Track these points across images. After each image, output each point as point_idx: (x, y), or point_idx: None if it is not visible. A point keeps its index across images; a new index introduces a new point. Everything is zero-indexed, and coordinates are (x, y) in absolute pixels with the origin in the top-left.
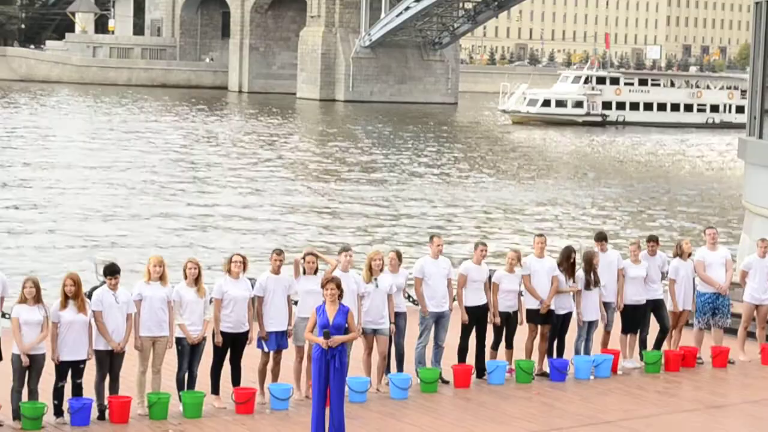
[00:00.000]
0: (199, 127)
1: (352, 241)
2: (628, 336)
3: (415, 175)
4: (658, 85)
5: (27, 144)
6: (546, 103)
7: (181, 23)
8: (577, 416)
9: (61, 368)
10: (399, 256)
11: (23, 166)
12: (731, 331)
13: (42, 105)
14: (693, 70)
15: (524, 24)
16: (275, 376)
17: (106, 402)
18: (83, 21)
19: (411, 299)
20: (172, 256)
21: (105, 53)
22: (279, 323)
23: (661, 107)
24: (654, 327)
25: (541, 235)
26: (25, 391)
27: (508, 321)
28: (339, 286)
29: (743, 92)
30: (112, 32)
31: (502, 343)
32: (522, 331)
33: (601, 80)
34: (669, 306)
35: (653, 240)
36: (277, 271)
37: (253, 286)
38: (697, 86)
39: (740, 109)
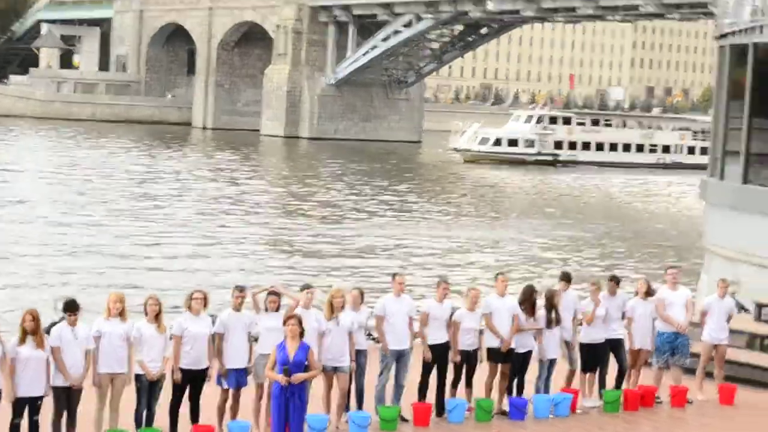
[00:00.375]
0: (160, 164)
1: (314, 280)
2: (588, 375)
3: (376, 213)
4: (610, 125)
5: None
6: (497, 142)
7: (147, 59)
8: None
9: (18, 405)
10: (361, 294)
11: None
12: (690, 371)
13: (1, 140)
14: (656, 111)
15: (489, 64)
16: (234, 414)
17: None
18: (48, 56)
19: (372, 337)
20: (132, 293)
21: (69, 88)
22: (239, 360)
23: (613, 147)
24: (613, 366)
25: (502, 274)
26: None
27: (469, 359)
28: (300, 323)
29: (695, 133)
30: (77, 68)
31: (462, 382)
32: (482, 369)
33: (553, 120)
34: (627, 345)
35: (614, 280)
36: (238, 308)
37: (213, 323)
38: (649, 127)
39: (691, 150)
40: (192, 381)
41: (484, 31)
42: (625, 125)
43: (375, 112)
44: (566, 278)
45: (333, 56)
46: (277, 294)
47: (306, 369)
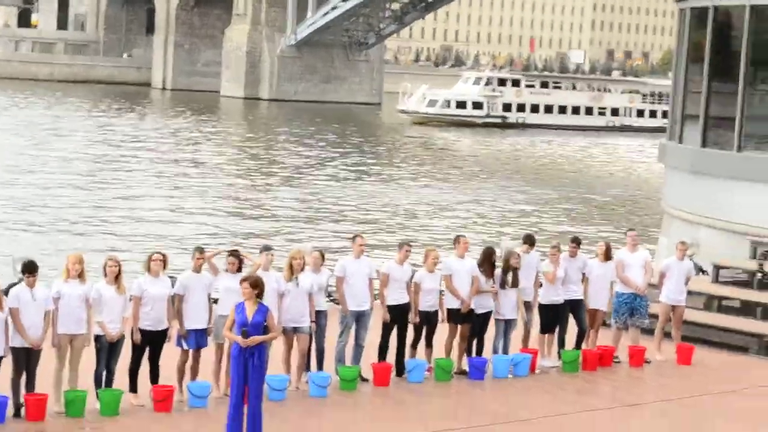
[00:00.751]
0: (119, 125)
1: (274, 241)
2: (546, 335)
3: (336, 175)
4: (560, 87)
5: None
6: (446, 104)
7: (105, 18)
8: (494, 414)
9: None
10: (322, 255)
11: None
12: (648, 332)
13: None
14: (616, 74)
15: (450, 26)
16: (194, 374)
17: (22, 400)
18: (6, 15)
19: (332, 299)
20: (91, 254)
21: (27, 47)
22: (199, 321)
23: (562, 110)
24: (573, 328)
25: (463, 236)
26: None
27: (428, 320)
28: (255, 286)
29: (644, 96)
30: (36, 26)
31: (422, 342)
32: (442, 330)
33: (501, 82)
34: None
35: (575, 241)
36: (197, 270)
37: (173, 285)
38: (599, 90)
39: (640, 113)
40: (152, 342)
41: None
42: (574, 88)
43: (335, 74)
44: (529, 241)
45: (293, 17)
46: (237, 255)
47: (265, 331)
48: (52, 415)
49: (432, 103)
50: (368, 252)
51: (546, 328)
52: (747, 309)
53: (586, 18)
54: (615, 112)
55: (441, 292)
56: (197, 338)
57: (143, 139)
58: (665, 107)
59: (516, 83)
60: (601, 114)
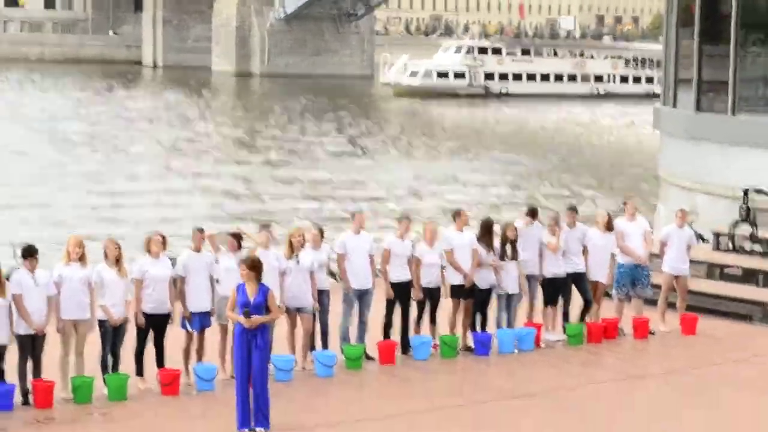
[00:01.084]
0: (113, 103)
1: (272, 219)
2: (550, 309)
3: (331, 151)
4: (541, 55)
5: None
6: (427, 74)
7: None
8: (501, 389)
9: None
10: (321, 232)
11: None
12: (652, 302)
13: None
14: (606, 39)
15: None
16: (200, 356)
17: (29, 386)
18: None
19: (334, 276)
20: (92, 237)
21: (16, 27)
22: (202, 303)
23: (545, 78)
24: (577, 300)
25: (462, 209)
26: None
27: (431, 296)
28: (252, 267)
29: (627, 62)
30: (23, 6)
31: (426, 318)
32: (445, 305)
33: (482, 51)
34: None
35: (572, 209)
36: (198, 249)
37: (173, 265)
38: (581, 56)
39: (624, 79)
40: (155, 325)
41: None
42: (555, 54)
43: (326, 46)
44: (532, 213)
45: None
46: (236, 235)
47: (267, 311)
48: (60, 401)
49: (414, 74)
50: (366, 228)
51: (549, 301)
52: (749, 276)
53: None
54: (599, 78)
55: (442, 268)
56: (201, 320)
57: (137, 118)
58: (649, 73)
59: (497, 51)
60: (585, 81)
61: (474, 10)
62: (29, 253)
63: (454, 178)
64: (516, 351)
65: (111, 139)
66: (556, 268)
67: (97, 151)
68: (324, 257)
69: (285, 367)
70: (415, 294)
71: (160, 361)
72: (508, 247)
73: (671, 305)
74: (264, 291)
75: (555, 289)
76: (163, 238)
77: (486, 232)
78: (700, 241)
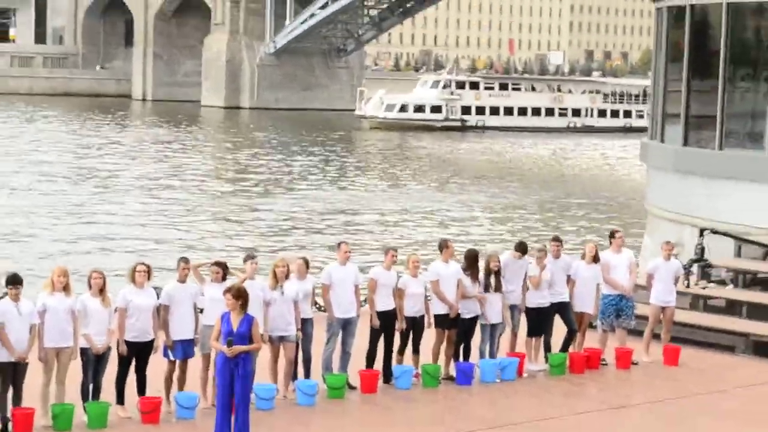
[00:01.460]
0: (101, 136)
1: (258, 249)
2: (533, 339)
3: (319, 183)
4: (519, 89)
5: None
6: (403, 108)
7: (83, 31)
8: (483, 419)
9: None
10: (306, 263)
11: None
12: (636, 333)
13: None
14: (596, 75)
15: (429, 30)
16: (181, 385)
17: (9, 414)
18: None
19: (319, 307)
20: (76, 267)
21: (6, 62)
22: (185, 331)
23: (522, 111)
24: (560, 330)
25: (448, 240)
26: None
27: (415, 325)
28: (238, 296)
29: (605, 96)
30: (13, 41)
31: (409, 348)
32: (428, 335)
33: (460, 85)
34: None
35: (557, 240)
36: (183, 280)
37: (158, 295)
38: (559, 90)
39: (602, 113)
40: (138, 353)
41: None
42: (533, 89)
43: (316, 81)
44: (521, 249)
45: (271, 25)
46: (221, 265)
47: (250, 341)
48: (40, 429)
49: (390, 107)
50: (352, 259)
51: (533, 332)
52: (732, 308)
53: (564, 20)
54: (576, 112)
55: (427, 297)
56: (184, 349)
57: (125, 151)
58: (627, 107)
59: (475, 86)
60: (562, 115)
61: (464, 46)
62: (14, 282)
63: (440, 209)
64: (498, 381)
65: (97, 171)
66: (541, 298)
67: (84, 182)
68: (309, 288)
69: (266, 396)
70: (399, 324)
71: (141, 389)
72: (492, 279)
73: (655, 336)
74: (248, 320)
75: (539, 320)
76: (148, 268)
77: (471, 263)
78: (687, 273)
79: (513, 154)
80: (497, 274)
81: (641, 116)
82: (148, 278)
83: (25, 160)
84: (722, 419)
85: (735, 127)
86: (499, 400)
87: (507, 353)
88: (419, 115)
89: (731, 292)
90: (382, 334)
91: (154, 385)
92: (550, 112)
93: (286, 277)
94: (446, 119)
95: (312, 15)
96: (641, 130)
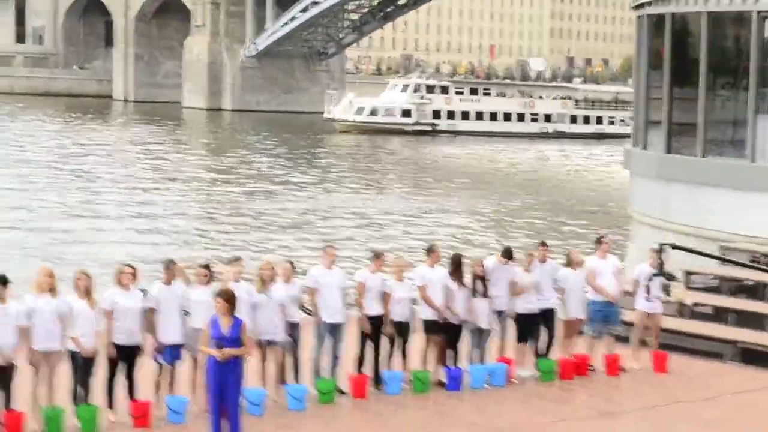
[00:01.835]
0: (84, 137)
1: (243, 253)
2: (522, 344)
3: (301, 185)
4: (489, 94)
5: None
6: (373, 111)
7: (63, 31)
8: (472, 425)
9: None
10: (293, 266)
11: None
12: (625, 339)
13: None
14: (577, 81)
15: (410, 35)
16: (171, 388)
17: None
18: None
19: (306, 310)
20: (62, 268)
21: None
22: (173, 334)
23: (493, 116)
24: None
25: (434, 245)
26: None
27: (402, 330)
28: (228, 300)
29: (576, 102)
30: None
31: (398, 353)
32: (416, 340)
33: (430, 89)
34: (561, 314)
35: (544, 244)
36: (169, 282)
37: (144, 297)
38: (531, 96)
39: (574, 119)
40: (126, 356)
41: (402, 1)
42: (504, 95)
43: (296, 84)
44: (507, 254)
45: (252, 28)
46: (207, 267)
47: (239, 344)
48: None
49: (359, 111)
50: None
51: (521, 337)
52: (720, 315)
53: (545, 26)
54: (548, 118)
55: (414, 302)
56: (172, 352)
57: (108, 151)
58: (598, 113)
59: (445, 90)
60: (534, 120)
61: (445, 51)
62: (0, 282)
63: (423, 214)
64: (488, 386)
65: (81, 172)
66: (529, 303)
67: (68, 182)
68: (295, 291)
69: (256, 401)
70: (386, 329)
71: (131, 393)
72: (479, 283)
73: (644, 343)
74: (238, 324)
75: (528, 325)
76: (134, 269)
77: (456, 267)
78: (672, 279)
79: (489, 159)
80: (483, 279)
81: (613, 122)
82: (134, 279)
83: (8, 161)
84: (711, 427)
85: (717, 135)
86: (489, 405)
87: (496, 359)
88: (389, 119)
89: (718, 299)
90: (371, 339)
91: (144, 389)
92: (521, 117)
93: (272, 280)
94: (416, 123)
95: (293, 18)
96: (613, 136)
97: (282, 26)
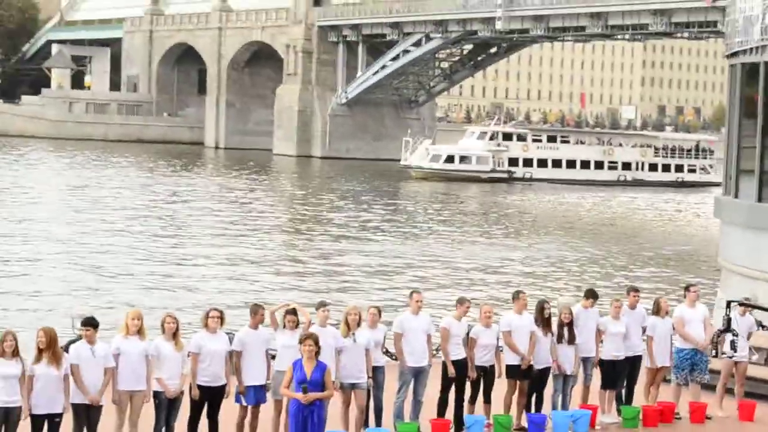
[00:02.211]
0: (176, 183)
1: (328, 298)
2: (607, 391)
3: (385, 232)
4: (568, 142)
5: (4, 198)
6: (449, 159)
7: (157, 79)
8: None
9: (35, 422)
10: (379, 311)
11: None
12: (710, 387)
13: (16, 160)
14: (668, 130)
15: (500, 83)
16: (253, 431)
17: None
18: (60, 76)
19: (390, 355)
20: (150, 311)
21: (81, 108)
22: (257, 377)
23: (571, 164)
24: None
25: (521, 292)
26: None
27: (485, 375)
28: (317, 343)
29: (656, 150)
30: (89, 88)
31: (480, 398)
32: (501, 385)
33: (507, 137)
34: (646, 362)
35: (635, 290)
36: (256, 326)
37: (230, 341)
38: (610, 143)
39: (653, 167)
40: (210, 398)
41: (493, 50)
42: (582, 142)
43: (386, 132)
44: (591, 295)
45: (343, 76)
46: (295, 313)
47: (323, 388)
48: None
49: (435, 158)
50: (424, 308)
51: (606, 384)
52: None
53: (636, 74)
54: (626, 166)
55: (499, 348)
56: (256, 394)
57: (200, 196)
58: (678, 161)
59: (522, 138)
60: (612, 168)
61: (535, 99)
62: (89, 323)
63: (510, 261)
64: None
65: (172, 218)
66: (616, 351)
67: (158, 227)
68: (380, 336)
69: None
70: (470, 373)
71: None
72: (565, 330)
73: (729, 391)
74: (322, 368)
75: (613, 372)
76: (221, 313)
77: (540, 312)
78: (760, 328)
79: (571, 206)
80: (570, 325)
81: (693, 170)
82: (221, 324)
83: (102, 205)
84: None
85: None
86: None
87: (579, 405)
88: (465, 166)
89: None
90: (453, 383)
91: (226, 431)
92: (599, 165)
93: (358, 325)
94: (493, 170)
95: (383, 66)
96: (694, 184)
97: (373, 74)
